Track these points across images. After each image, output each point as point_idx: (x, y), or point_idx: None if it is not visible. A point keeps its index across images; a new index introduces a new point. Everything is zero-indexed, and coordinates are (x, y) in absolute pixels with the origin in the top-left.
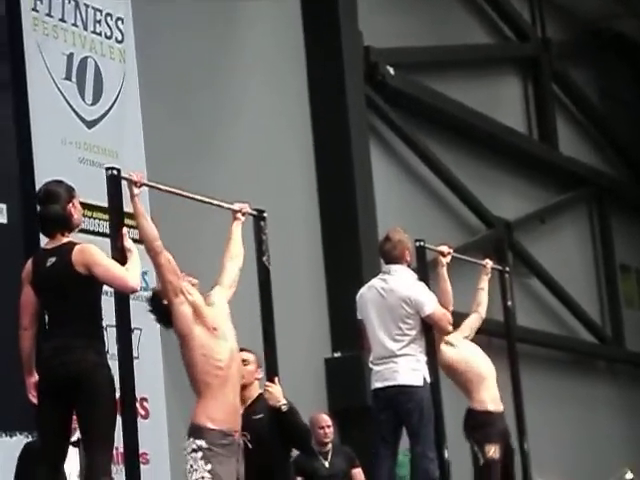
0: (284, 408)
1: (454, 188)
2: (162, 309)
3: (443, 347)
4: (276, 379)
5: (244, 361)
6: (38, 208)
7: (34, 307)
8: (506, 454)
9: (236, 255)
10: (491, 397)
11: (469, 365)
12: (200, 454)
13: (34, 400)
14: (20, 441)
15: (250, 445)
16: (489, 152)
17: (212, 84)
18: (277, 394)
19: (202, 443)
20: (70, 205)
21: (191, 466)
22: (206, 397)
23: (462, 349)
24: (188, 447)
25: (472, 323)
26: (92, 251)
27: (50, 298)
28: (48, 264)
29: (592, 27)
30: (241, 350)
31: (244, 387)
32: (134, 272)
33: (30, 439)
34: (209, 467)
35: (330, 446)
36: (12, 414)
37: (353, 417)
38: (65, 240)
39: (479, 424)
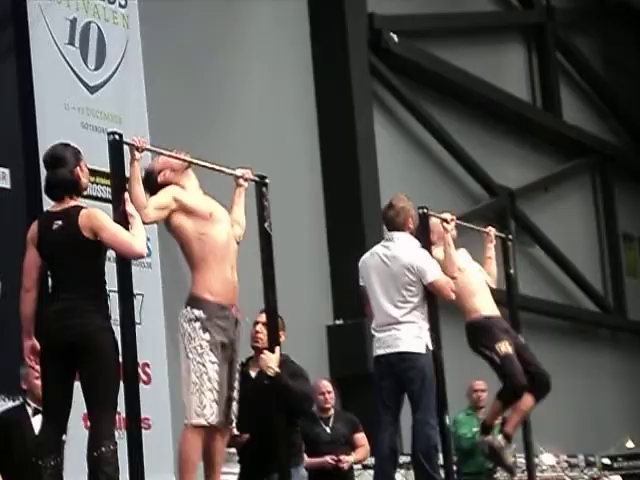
0: (270, 372)
1: (457, 156)
2: (154, 187)
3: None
4: (277, 349)
5: (265, 324)
6: (45, 172)
7: (37, 269)
8: (518, 347)
9: (237, 223)
10: (485, 304)
11: (461, 282)
12: (198, 324)
13: (30, 363)
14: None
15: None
16: (493, 120)
17: (215, 50)
18: (268, 360)
19: (200, 313)
20: (77, 168)
21: (189, 335)
22: (204, 270)
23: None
24: (185, 316)
25: (485, 276)
26: (99, 216)
27: (55, 261)
28: (54, 227)
29: None
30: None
31: (260, 350)
32: (140, 238)
33: (9, 403)
34: (207, 336)
35: (332, 412)
36: None
37: (355, 384)
38: (73, 203)
39: (481, 330)
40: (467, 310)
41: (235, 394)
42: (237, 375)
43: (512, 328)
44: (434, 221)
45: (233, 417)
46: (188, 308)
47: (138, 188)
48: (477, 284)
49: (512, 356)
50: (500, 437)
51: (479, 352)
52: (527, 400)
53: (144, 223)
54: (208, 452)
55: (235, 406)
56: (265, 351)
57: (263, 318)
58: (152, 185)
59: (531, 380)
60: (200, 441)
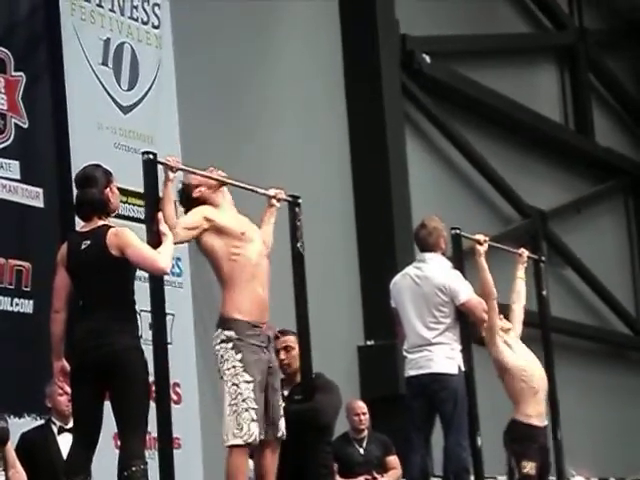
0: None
1: (489, 177)
2: (189, 202)
3: (502, 347)
4: None
5: (289, 347)
6: (75, 192)
7: (67, 290)
8: (542, 472)
9: (265, 242)
10: (538, 412)
11: (525, 375)
12: (230, 344)
13: (59, 384)
14: (28, 423)
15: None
16: (525, 142)
17: (248, 70)
18: None
19: (231, 334)
20: (107, 189)
21: (222, 356)
22: (234, 290)
23: (520, 355)
24: (217, 338)
25: (520, 316)
26: (126, 233)
27: (84, 281)
28: (83, 247)
29: (629, 16)
30: (282, 334)
31: (292, 374)
32: (165, 254)
33: (38, 421)
34: (239, 356)
35: (365, 433)
36: (21, 395)
37: (386, 406)
38: (101, 223)
39: (520, 437)
40: (519, 408)
41: (280, 409)
42: (278, 391)
43: (545, 354)
44: None
45: (282, 431)
46: (219, 330)
47: (169, 209)
48: (541, 387)
49: None
50: None
51: (507, 452)
52: None
53: (175, 239)
54: (259, 470)
55: (283, 421)
56: None
57: (282, 343)
58: (187, 200)
59: None
60: (244, 461)
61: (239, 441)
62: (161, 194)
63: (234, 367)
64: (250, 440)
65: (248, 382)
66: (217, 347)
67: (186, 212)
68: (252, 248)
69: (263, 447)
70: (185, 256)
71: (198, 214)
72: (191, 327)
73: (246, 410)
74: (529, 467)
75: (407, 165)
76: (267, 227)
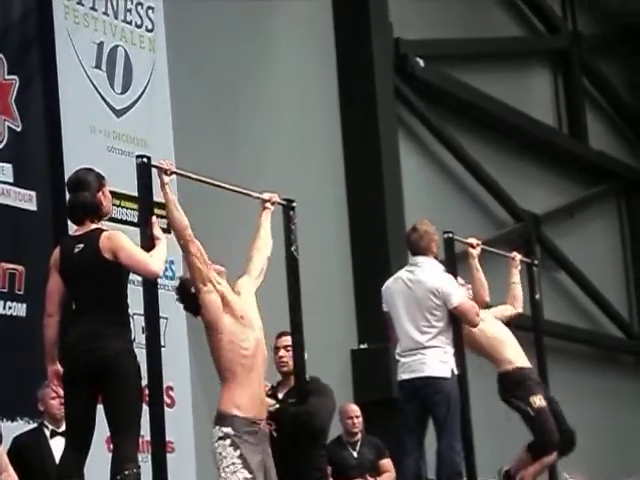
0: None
1: (482, 181)
2: (190, 297)
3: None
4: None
5: (289, 347)
6: (68, 195)
7: (60, 294)
8: (549, 401)
9: (264, 246)
10: (518, 355)
11: (489, 332)
12: (228, 441)
13: (53, 387)
14: (21, 426)
15: (275, 434)
16: (518, 145)
17: (242, 73)
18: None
19: (229, 430)
20: (100, 193)
21: (220, 453)
22: (232, 384)
23: (488, 321)
24: (215, 435)
25: (504, 310)
26: (119, 237)
27: (77, 285)
28: (76, 250)
29: (622, 20)
30: (284, 334)
31: (288, 374)
32: (158, 258)
33: (31, 425)
34: (238, 453)
35: (359, 436)
36: (13, 398)
37: (379, 409)
38: (94, 227)
39: (516, 382)
40: (498, 360)
41: None
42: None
43: (537, 357)
44: None
45: None
46: (217, 427)
47: (176, 211)
48: (504, 333)
49: (546, 411)
50: None
51: (510, 403)
52: (551, 455)
53: (186, 243)
54: None
55: None
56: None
57: (284, 342)
58: (187, 296)
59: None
60: None
61: None
62: (157, 199)
63: (233, 464)
64: None
65: (248, 479)
66: (215, 444)
67: (185, 308)
68: (250, 335)
69: None
70: (178, 260)
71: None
72: (184, 331)
73: None
74: (537, 400)
75: (400, 168)
76: (264, 229)
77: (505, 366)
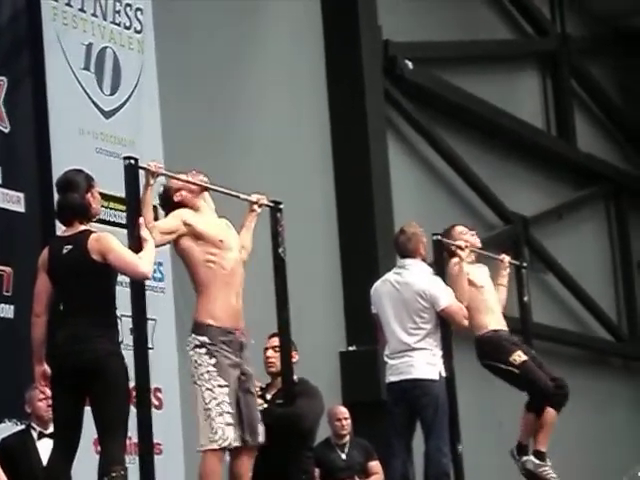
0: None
1: (471, 183)
2: (171, 204)
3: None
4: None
5: (275, 348)
6: (57, 196)
7: (48, 295)
8: (532, 358)
9: (244, 247)
10: (495, 321)
11: (477, 292)
12: (204, 350)
13: (41, 388)
14: (8, 428)
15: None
16: (507, 147)
17: (230, 75)
18: None
19: (205, 339)
20: (89, 194)
21: (195, 361)
22: (208, 297)
23: (474, 277)
24: (191, 343)
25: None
26: (108, 239)
27: (65, 286)
28: (64, 252)
29: (611, 23)
30: (275, 335)
31: (276, 374)
32: (147, 259)
33: (18, 426)
34: (213, 361)
35: (347, 438)
36: (0, 401)
37: (367, 411)
38: (82, 228)
39: (493, 345)
40: (477, 326)
41: (257, 414)
42: (254, 395)
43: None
44: (459, 230)
45: (259, 437)
46: (193, 335)
47: (148, 214)
48: (493, 302)
49: (530, 362)
50: (532, 457)
51: (491, 367)
52: (550, 413)
53: (158, 243)
54: (233, 475)
55: (261, 426)
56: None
57: (273, 342)
58: (168, 203)
59: None
60: (218, 465)
61: (214, 445)
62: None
63: (208, 372)
64: (225, 444)
65: (222, 386)
66: (191, 352)
67: (166, 215)
68: (229, 256)
69: (239, 452)
70: (167, 261)
71: (176, 218)
72: (173, 332)
73: (220, 414)
74: (517, 356)
75: (389, 170)
76: (247, 231)
77: (481, 330)
